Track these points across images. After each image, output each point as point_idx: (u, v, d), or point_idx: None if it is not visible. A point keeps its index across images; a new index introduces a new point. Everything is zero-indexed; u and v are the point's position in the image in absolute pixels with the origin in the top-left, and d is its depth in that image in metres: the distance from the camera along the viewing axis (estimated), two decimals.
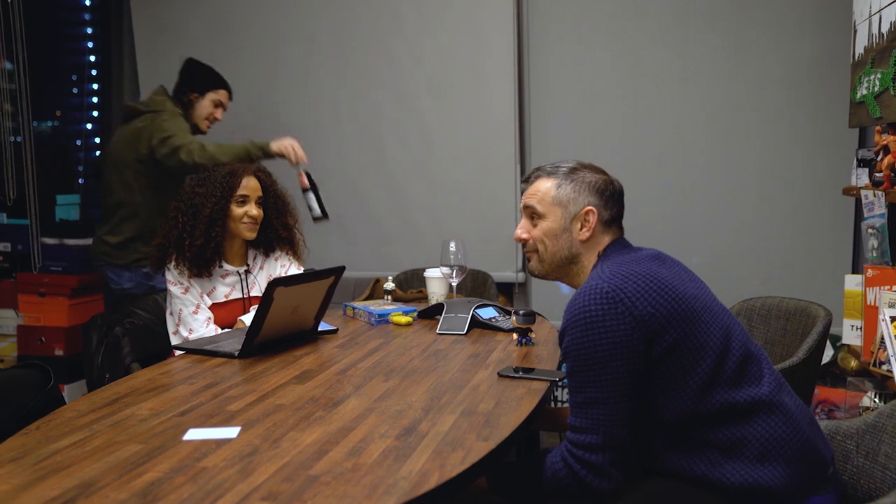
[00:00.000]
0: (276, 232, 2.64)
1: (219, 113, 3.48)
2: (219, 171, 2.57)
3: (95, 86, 5.04)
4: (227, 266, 2.56)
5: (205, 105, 3.42)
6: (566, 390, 3.16)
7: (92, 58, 5.01)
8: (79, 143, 5.11)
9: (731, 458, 1.44)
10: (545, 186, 1.72)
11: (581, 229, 1.68)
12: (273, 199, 2.63)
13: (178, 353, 2.19)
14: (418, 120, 4.07)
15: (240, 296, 2.58)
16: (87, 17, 5.13)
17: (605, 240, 1.69)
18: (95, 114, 5.00)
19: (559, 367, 1.97)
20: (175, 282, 2.48)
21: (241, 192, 2.52)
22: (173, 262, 2.49)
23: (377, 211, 4.19)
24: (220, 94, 3.46)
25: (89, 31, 5.12)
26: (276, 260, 2.67)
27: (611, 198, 1.70)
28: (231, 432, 1.45)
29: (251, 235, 2.56)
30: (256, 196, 2.56)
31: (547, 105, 3.96)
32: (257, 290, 2.61)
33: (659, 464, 1.51)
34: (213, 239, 2.48)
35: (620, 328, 1.43)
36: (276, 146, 3.13)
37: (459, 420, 1.53)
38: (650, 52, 3.83)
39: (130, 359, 2.42)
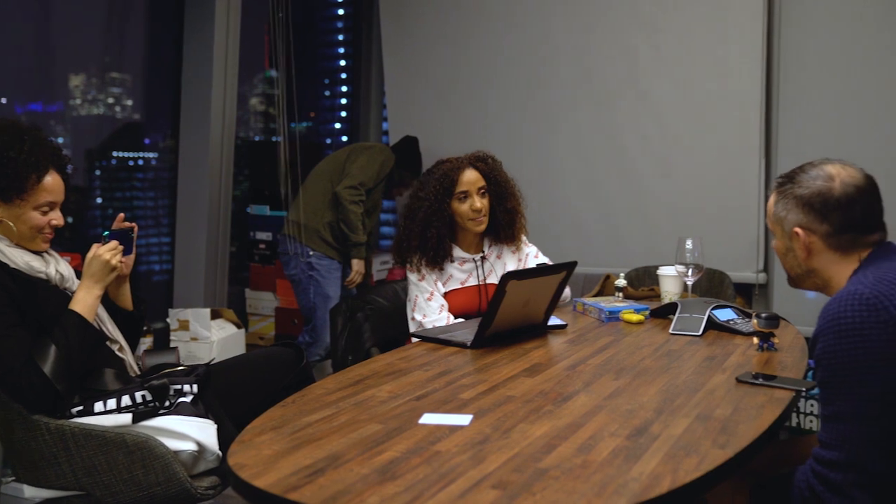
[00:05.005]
0: (498, 218, 2.61)
1: None
2: (437, 170, 2.58)
3: (345, 88, 5.44)
4: (462, 253, 2.60)
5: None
6: (809, 402, 2.93)
7: (342, 62, 5.41)
8: (329, 141, 5.54)
9: None
10: (770, 202, 1.62)
11: (799, 249, 1.56)
12: (495, 186, 2.60)
13: (414, 339, 2.31)
14: (657, 112, 3.96)
15: (476, 283, 2.61)
16: (339, 24, 5.55)
17: (853, 253, 1.51)
18: (344, 114, 5.39)
19: (805, 377, 1.83)
20: (413, 269, 2.56)
21: (459, 188, 2.53)
22: (408, 257, 2.57)
23: (610, 205, 4.12)
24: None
25: (341, 37, 5.53)
26: (514, 252, 2.68)
27: (825, 207, 1.51)
28: (463, 419, 1.50)
29: (480, 228, 2.57)
30: (477, 188, 2.55)
31: (798, 97, 3.67)
32: (493, 278, 2.62)
33: None
34: (430, 240, 2.51)
35: (881, 338, 1.30)
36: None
37: (694, 424, 1.47)
38: None
39: (370, 343, 2.58)
